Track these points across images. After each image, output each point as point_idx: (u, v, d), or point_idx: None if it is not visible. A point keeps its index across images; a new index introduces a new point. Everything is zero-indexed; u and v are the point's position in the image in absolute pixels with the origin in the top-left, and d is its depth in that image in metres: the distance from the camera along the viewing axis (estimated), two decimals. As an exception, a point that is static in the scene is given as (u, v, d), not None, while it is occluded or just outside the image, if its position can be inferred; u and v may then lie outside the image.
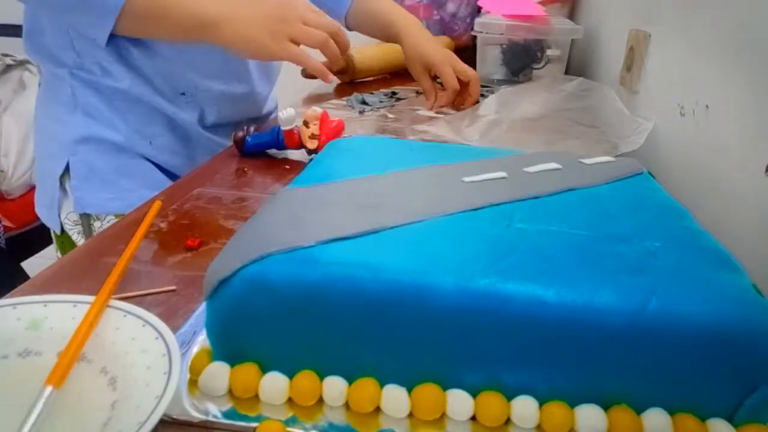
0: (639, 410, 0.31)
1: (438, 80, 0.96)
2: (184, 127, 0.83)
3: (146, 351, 0.32)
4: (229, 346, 0.33)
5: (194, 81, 0.80)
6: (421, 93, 1.06)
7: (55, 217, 0.79)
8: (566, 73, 1.13)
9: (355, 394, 0.32)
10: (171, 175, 0.83)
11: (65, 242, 0.80)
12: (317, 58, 0.72)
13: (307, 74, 1.07)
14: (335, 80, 1.11)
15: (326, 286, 0.31)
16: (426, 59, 0.95)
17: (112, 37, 0.71)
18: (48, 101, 0.80)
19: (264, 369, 0.33)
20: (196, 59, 0.79)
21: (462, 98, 0.96)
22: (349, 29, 1.07)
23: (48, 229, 0.83)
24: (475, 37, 1.17)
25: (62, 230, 0.79)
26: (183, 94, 0.81)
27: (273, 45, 0.67)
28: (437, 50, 0.95)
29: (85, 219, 0.77)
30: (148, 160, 0.81)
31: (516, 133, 0.79)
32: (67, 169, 0.77)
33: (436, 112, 0.93)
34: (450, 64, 0.93)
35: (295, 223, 0.36)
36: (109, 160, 0.77)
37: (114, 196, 0.76)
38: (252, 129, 0.72)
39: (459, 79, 0.94)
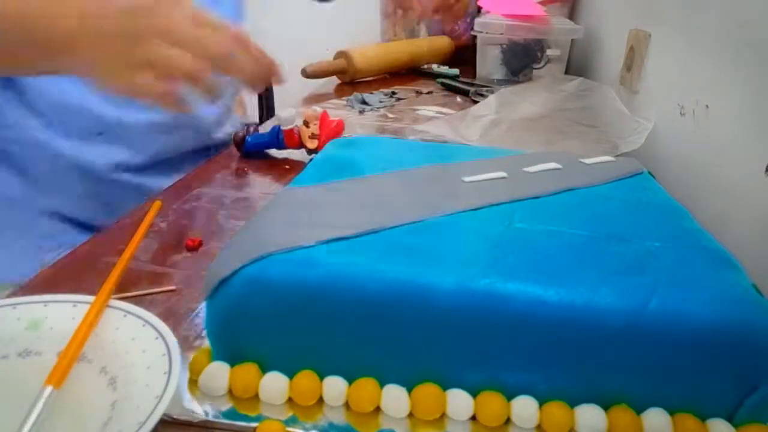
0: (639, 410, 0.31)
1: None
2: (98, 174, 0.65)
3: (146, 351, 0.32)
4: (229, 346, 0.33)
5: (108, 113, 0.62)
6: (421, 93, 1.06)
7: None
8: (566, 73, 1.13)
9: (355, 394, 0.32)
10: (85, 227, 0.67)
11: None
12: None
13: (308, 74, 1.07)
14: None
15: (326, 286, 0.31)
16: None
17: None
18: None
19: (264, 369, 0.33)
20: None
21: None
22: None
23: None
24: (475, 37, 1.17)
25: None
26: (100, 134, 0.63)
27: (117, 75, 0.43)
28: None
29: None
30: (55, 214, 0.66)
31: (516, 133, 0.79)
32: None
33: (437, 112, 0.93)
34: None
35: (295, 223, 0.36)
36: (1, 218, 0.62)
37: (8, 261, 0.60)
38: (252, 129, 0.72)
39: None
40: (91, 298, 0.35)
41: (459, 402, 0.31)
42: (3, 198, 0.62)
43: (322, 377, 0.32)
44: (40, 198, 0.64)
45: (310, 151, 0.70)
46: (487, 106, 0.87)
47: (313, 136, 0.68)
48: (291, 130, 0.69)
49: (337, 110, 0.94)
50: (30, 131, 0.60)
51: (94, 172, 0.64)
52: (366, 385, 0.32)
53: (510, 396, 0.31)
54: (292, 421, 0.31)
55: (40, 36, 0.43)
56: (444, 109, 0.95)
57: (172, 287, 0.43)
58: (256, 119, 1.21)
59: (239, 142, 0.71)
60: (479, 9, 1.28)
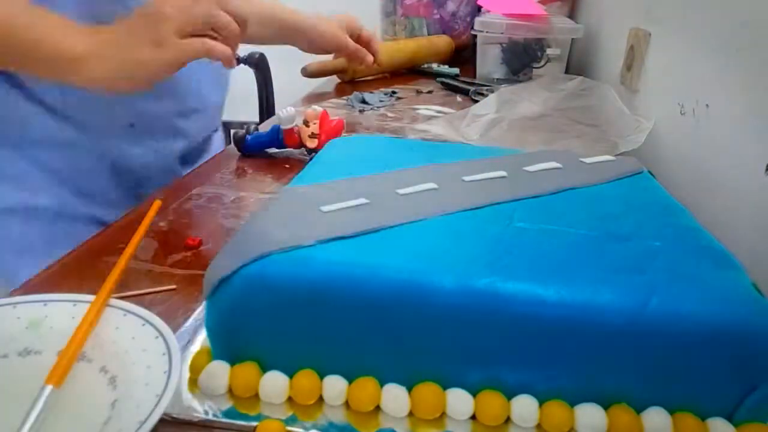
0: (639, 409, 0.31)
1: None
2: (135, 172, 0.66)
3: (146, 350, 0.32)
4: (229, 345, 0.33)
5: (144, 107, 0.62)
6: (421, 92, 1.06)
7: None
8: (566, 72, 1.13)
9: (355, 393, 0.32)
10: None
11: None
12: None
13: (308, 73, 1.07)
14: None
15: (326, 286, 0.31)
16: (342, 24, 0.93)
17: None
18: None
19: (264, 368, 0.33)
20: None
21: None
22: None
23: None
24: (475, 36, 1.17)
25: None
26: (132, 125, 0.63)
27: (163, 53, 0.51)
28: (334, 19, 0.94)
29: None
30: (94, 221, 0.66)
31: (516, 132, 0.78)
32: None
33: (437, 112, 0.93)
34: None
35: (295, 223, 0.36)
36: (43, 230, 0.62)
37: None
38: (252, 128, 0.72)
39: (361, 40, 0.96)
40: (91, 298, 0.35)
41: (459, 401, 0.31)
42: (52, 210, 0.63)
43: (322, 376, 0.32)
44: (81, 206, 0.65)
45: (310, 151, 0.70)
46: (487, 106, 0.87)
47: (313, 136, 0.68)
48: (291, 129, 0.69)
49: (337, 109, 0.94)
50: (64, 131, 0.61)
51: (129, 168, 0.65)
52: (366, 384, 0.32)
53: (510, 395, 0.31)
54: (292, 420, 0.31)
55: (43, 57, 0.49)
56: (444, 109, 0.95)
57: (172, 287, 0.43)
58: (256, 118, 1.20)
59: (239, 142, 0.71)
60: (479, 8, 1.28)
